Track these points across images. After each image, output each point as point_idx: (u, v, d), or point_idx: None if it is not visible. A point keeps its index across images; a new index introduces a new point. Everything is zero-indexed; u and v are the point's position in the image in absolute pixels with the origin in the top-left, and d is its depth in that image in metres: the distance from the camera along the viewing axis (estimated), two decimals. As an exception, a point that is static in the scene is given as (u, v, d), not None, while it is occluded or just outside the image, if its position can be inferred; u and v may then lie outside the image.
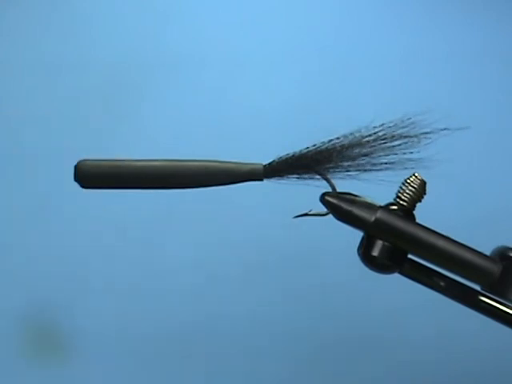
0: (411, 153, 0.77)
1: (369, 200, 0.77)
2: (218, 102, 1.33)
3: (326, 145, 0.78)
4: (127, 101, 1.32)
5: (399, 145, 0.77)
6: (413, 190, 0.77)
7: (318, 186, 0.78)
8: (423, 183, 0.77)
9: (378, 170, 0.78)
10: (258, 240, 1.30)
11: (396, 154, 0.77)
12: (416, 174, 0.77)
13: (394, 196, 0.77)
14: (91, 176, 0.76)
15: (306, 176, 0.79)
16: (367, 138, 0.78)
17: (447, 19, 1.36)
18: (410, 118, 0.77)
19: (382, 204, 0.77)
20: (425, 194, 0.77)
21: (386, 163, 0.78)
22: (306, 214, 0.79)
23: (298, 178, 0.79)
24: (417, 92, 1.33)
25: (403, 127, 0.78)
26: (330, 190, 0.78)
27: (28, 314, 1.30)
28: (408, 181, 0.77)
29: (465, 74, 1.35)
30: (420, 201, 0.77)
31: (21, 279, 1.30)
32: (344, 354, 1.31)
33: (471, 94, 1.34)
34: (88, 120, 1.32)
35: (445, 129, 0.77)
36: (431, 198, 0.77)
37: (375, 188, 0.78)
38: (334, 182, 0.78)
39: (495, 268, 0.75)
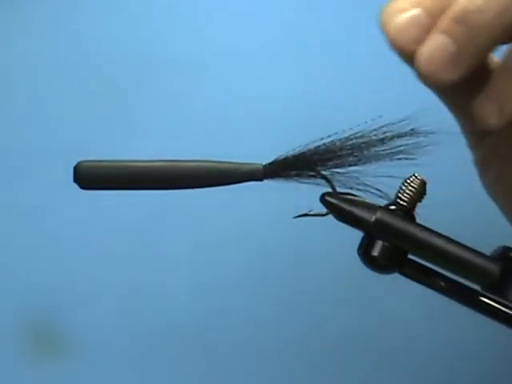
0: (413, 153, 0.77)
1: (368, 200, 0.77)
2: (218, 101, 1.33)
3: (327, 144, 0.78)
4: (126, 101, 1.32)
5: (400, 145, 0.77)
6: (413, 190, 0.76)
7: (319, 185, 0.78)
8: (423, 183, 0.77)
9: (378, 169, 0.78)
10: (258, 240, 1.30)
11: (397, 154, 0.78)
12: (416, 174, 0.77)
13: (394, 196, 0.77)
14: (91, 177, 0.76)
15: (306, 176, 0.79)
16: (368, 138, 0.78)
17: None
18: (411, 118, 0.77)
19: (382, 204, 0.77)
20: (425, 194, 0.77)
21: (386, 163, 0.78)
22: (305, 214, 0.79)
23: (297, 177, 0.79)
24: (417, 92, 1.33)
25: (405, 127, 0.78)
26: (330, 190, 0.78)
27: (27, 313, 1.30)
28: (408, 181, 0.77)
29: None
30: (420, 201, 0.77)
31: (20, 279, 1.30)
32: (345, 353, 1.31)
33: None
34: (87, 120, 1.32)
35: (450, 134, 0.77)
36: (431, 198, 0.77)
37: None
38: (334, 182, 0.78)
39: (495, 268, 0.75)
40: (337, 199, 0.77)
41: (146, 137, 1.31)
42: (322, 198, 0.78)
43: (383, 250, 0.76)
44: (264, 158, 0.79)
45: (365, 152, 0.78)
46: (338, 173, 0.78)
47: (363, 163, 0.78)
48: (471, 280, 0.76)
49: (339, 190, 0.78)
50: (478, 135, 0.82)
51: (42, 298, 1.29)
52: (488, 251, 0.77)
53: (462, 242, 0.76)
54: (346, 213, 0.76)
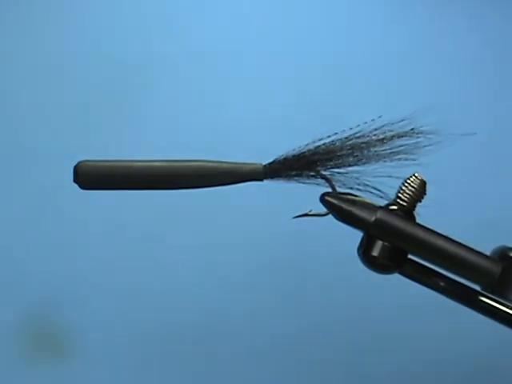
0: (413, 153, 0.77)
1: (368, 200, 0.77)
2: (218, 101, 1.33)
3: (326, 144, 0.78)
4: (127, 101, 1.32)
5: (400, 145, 0.77)
6: (413, 190, 0.77)
7: (319, 185, 0.78)
8: (423, 183, 0.77)
9: (378, 169, 0.78)
10: (258, 240, 1.30)
11: (397, 154, 0.78)
12: (416, 174, 0.77)
13: (394, 196, 0.77)
14: (90, 177, 0.76)
15: (306, 176, 0.79)
16: (368, 138, 0.78)
17: (449, 20, 1.36)
18: (411, 118, 0.77)
19: (382, 204, 0.77)
20: (425, 194, 0.77)
21: (386, 163, 0.78)
22: (305, 215, 0.79)
23: (297, 177, 0.79)
24: (417, 92, 1.33)
25: (404, 128, 0.78)
26: (329, 190, 0.78)
27: (28, 313, 1.30)
28: (408, 181, 0.77)
29: (469, 76, 1.35)
30: (420, 201, 0.77)
31: (20, 279, 1.30)
32: (344, 354, 1.31)
33: (476, 97, 1.34)
34: (88, 121, 1.32)
35: (450, 134, 0.77)
36: (431, 199, 0.77)
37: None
38: (334, 182, 0.78)
39: (495, 268, 0.75)
40: (337, 199, 0.77)
41: (145, 137, 1.31)
42: (322, 198, 0.78)
43: (383, 249, 0.76)
44: (264, 158, 0.79)
45: (365, 152, 0.78)
46: (338, 173, 0.78)
47: (363, 163, 0.78)
48: (471, 280, 0.76)
49: (339, 190, 0.78)
50: None
51: (42, 299, 1.29)
52: (488, 251, 0.77)
53: (463, 242, 0.77)
54: (346, 213, 0.76)
